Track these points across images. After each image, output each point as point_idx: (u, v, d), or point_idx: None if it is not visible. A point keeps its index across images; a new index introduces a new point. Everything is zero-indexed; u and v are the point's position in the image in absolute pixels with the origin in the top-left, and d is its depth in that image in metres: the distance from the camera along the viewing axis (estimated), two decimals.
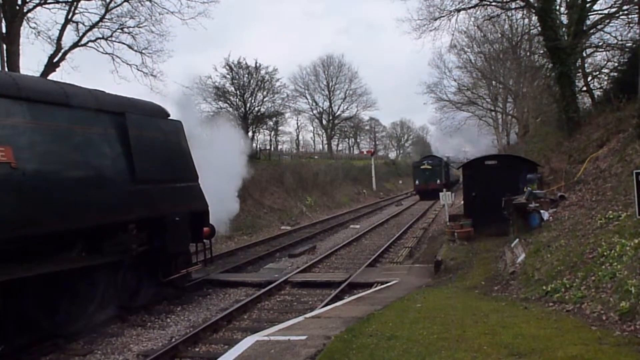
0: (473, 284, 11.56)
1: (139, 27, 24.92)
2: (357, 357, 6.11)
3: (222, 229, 19.48)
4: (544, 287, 8.93)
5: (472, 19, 27.70)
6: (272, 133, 56.21)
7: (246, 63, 40.09)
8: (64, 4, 23.29)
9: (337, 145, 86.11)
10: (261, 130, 48.62)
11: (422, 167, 50.27)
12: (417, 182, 50.82)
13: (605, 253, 8.53)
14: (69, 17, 23.38)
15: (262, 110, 42.41)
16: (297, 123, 76.69)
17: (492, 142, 56.41)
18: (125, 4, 24.28)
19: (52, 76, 22.35)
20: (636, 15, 19.57)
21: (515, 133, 40.11)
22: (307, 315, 9.19)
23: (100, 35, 24.51)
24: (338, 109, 72.31)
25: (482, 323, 7.32)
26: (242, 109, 39.97)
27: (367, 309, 9.13)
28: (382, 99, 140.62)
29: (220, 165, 18.56)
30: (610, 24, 21.72)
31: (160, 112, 12.93)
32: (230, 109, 40.07)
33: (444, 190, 25.05)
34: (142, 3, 24.38)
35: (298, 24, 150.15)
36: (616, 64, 23.04)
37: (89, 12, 24.44)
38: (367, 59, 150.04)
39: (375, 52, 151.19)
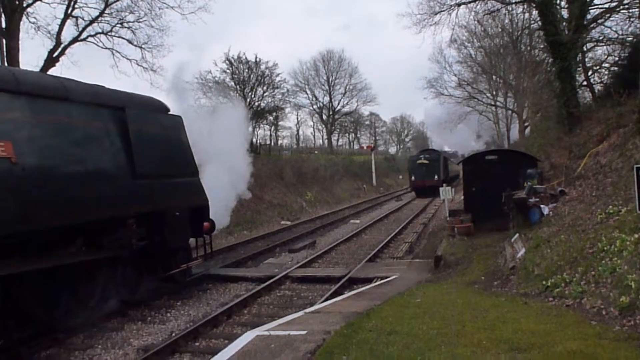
0: (473, 279, 11.57)
1: (139, 22, 24.93)
2: (357, 352, 6.10)
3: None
4: (544, 282, 8.93)
5: (473, 13, 27.66)
6: (272, 128, 56.34)
7: (246, 58, 40.17)
8: None
9: (337, 140, 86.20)
10: (261, 125, 48.67)
11: (418, 161, 46.94)
12: (413, 177, 47.42)
13: (605, 248, 8.53)
14: (69, 11, 23.36)
15: (262, 105, 42.47)
16: (297, 118, 76.84)
17: (492, 138, 56.34)
18: None
19: (52, 71, 22.35)
20: (637, 10, 19.53)
21: (520, 131, 39.95)
22: (307, 310, 9.19)
23: (100, 30, 24.51)
24: (338, 104, 72.42)
25: (482, 318, 7.32)
26: (242, 103, 39.94)
27: (367, 304, 9.13)
28: (383, 94, 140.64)
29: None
30: (611, 19, 21.70)
31: (160, 107, 12.92)
32: (230, 104, 40.04)
33: (444, 185, 24.87)
34: None
35: (299, 19, 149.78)
36: (617, 59, 23.01)
37: (88, 7, 24.36)
38: (367, 54, 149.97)
39: (376, 47, 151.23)
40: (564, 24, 21.32)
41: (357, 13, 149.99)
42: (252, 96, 40.81)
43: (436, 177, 45.39)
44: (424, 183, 45.12)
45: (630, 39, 20.98)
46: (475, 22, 33.76)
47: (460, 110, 51.63)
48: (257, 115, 42.37)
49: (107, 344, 9.32)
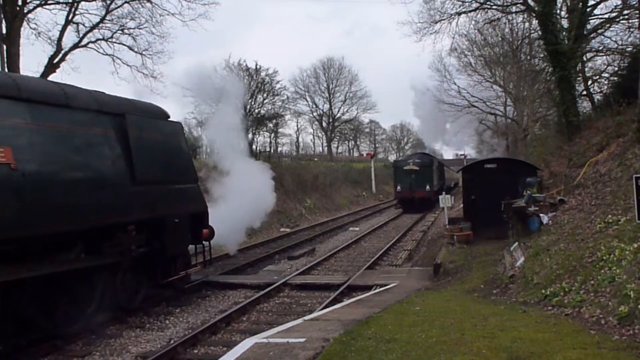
0: (472, 287, 11.56)
1: (140, 29, 24.92)
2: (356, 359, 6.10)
3: None
4: (543, 291, 8.93)
5: (473, 22, 27.70)
6: (272, 135, 56.31)
7: (246, 65, 40.24)
8: (64, 5, 23.30)
9: (337, 147, 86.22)
10: (261, 132, 48.65)
11: (406, 167, 38.15)
12: (398, 187, 38.09)
13: (604, 257, 8.53)
14: (70, 18, 23.39)
15: (262, 112, 42.50)
16: (297, 125, 76.78)
17: (492, 146, 56.24)
18: (126, 5, 24.30)
19: (52, 77, 22.36)
20: (636, 20, 19.64)
21: (520, 140, 39.84)
22: (306, 318, 9.17)
23: (101, 37, 24.52)
24: (338, 111, 72.48)
25: (481, 326, 7.32)
26: (242, 110, 39.96)
27: (366, 312, 9.13)
28: (383, 102, 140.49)
29: None
30: (611, 29, 21.82)
31: (160, 113, 12.94)
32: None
33: (443, 193, 24.52)
34: (143, 4, 24.38)
35: (300, 26, 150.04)
36: (616, 69, 23.12)
37: (89, 13, 24.39)
38: (368, 61, 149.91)
39: (377, 55, 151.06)
40: (564, 33, 21.39)
41: (358, 21, 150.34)
42: (252, 103, 40.86)
43: (428, 187, 37.36)
44: (413, 194, 36.93)
45: (630, 49, 21.08)
46: (476, 31, 33.86)
47: (461, 119, 51.45)
48: (257, 122, 42.40)
49: (106, 350, 9.29)
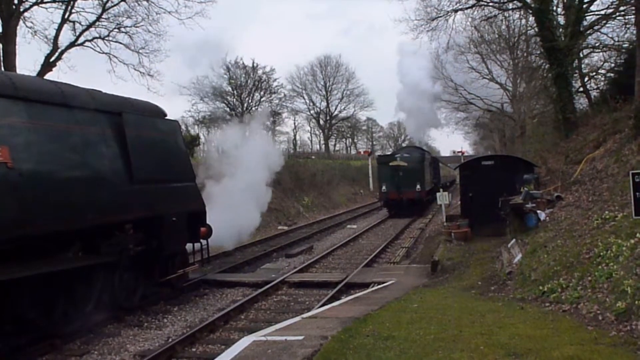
0: (470, 284, 11.58)
1: (136, 27, 24.95)
2: (354, 357, 6.11)
3: None
4: (541, 288, 8.95)
5: (470, 19, 27.72)
6: (269, 133, 56.27)
7: (243, 63, 40.25)
8: (60, 3, 23.31)
9: (335, 145, 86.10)
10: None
11: (392, 163, 32.14)
12: (383, 187, 32.19)
13: (601, 253, 8.55)
14: (66, 16, 23.38)
15: (260, 110, 42.53)
16: (295, 123, 76.72)
17: (490, 143, 56.29)
18: (122, 3, 24.32)
19: (49, 76, 22.33)
20: (633, 16, 19.63)
21: (517, 137, 39.73)
22: (304, 316, 9.18)
23: (97, 35, 24.53)
24: (335, 109, 72.38)
25: (479, 323, 7.33)
26: (239, 108, 39.96)
27: (364, 309, 9.13)
28: (380, 99, 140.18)
29: None
30: (607, 25, 21.85)
31: (157, 112, 12.92)
32: (228, 109, 40.10)
33: (441, 190, 24.38)
34: (139, 3, 24.39)
35: (299, 25, 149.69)
36: (613, 65, 23.18)
37: (85, 12, 24.45)
38: (366, 59, 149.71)
39: (374, 53, 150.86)
40: (561, 30, 21.46)
41: (356, 19, 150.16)
42: (249, 101, 40.88)
43: (418, 186, 31.70)
44: (400, 196, 31.46)
45: (626, 45, 21.11)
46: (472, 28, 33.84)
47: (456, 115, 51.47)
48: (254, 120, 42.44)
49: (104, 349, 9.29)
